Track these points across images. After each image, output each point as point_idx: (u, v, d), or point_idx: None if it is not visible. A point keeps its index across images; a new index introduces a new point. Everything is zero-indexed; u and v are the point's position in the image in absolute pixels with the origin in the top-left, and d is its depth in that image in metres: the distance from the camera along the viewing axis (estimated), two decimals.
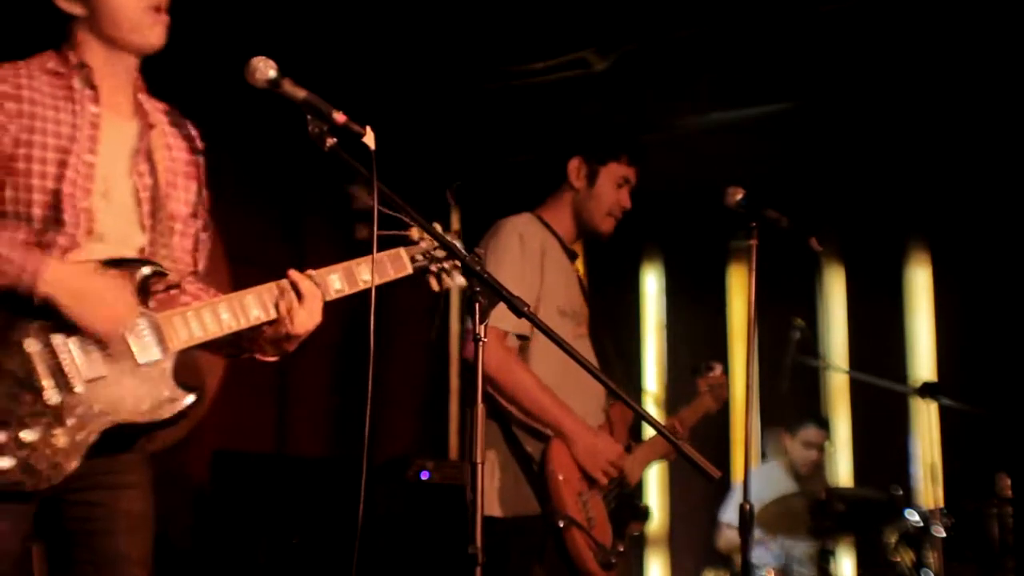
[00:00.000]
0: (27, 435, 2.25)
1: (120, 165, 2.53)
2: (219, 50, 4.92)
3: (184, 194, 2.65)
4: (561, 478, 3.35)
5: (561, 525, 3.29)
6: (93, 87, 2.52)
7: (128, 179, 2.53)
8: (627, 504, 3.61)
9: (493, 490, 3.39)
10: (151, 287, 2.47)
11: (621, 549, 3.45)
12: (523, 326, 3.41)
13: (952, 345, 6.26)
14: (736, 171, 4.20)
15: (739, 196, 3.43)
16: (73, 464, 2.29)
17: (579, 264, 3.87)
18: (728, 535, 5.92)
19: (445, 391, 6.88)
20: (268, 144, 5.74)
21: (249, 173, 5.91)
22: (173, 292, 2.61)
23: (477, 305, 2.40)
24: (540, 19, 5.19)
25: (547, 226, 3.67)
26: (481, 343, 2.38)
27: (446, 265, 2.70)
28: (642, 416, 2.65)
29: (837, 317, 6.63)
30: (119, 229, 2.50)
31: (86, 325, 2.32)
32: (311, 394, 6.16)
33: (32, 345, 2.30)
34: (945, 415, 5.69)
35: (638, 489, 3.89)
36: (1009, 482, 4.44)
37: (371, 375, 2.37)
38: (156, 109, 2.67)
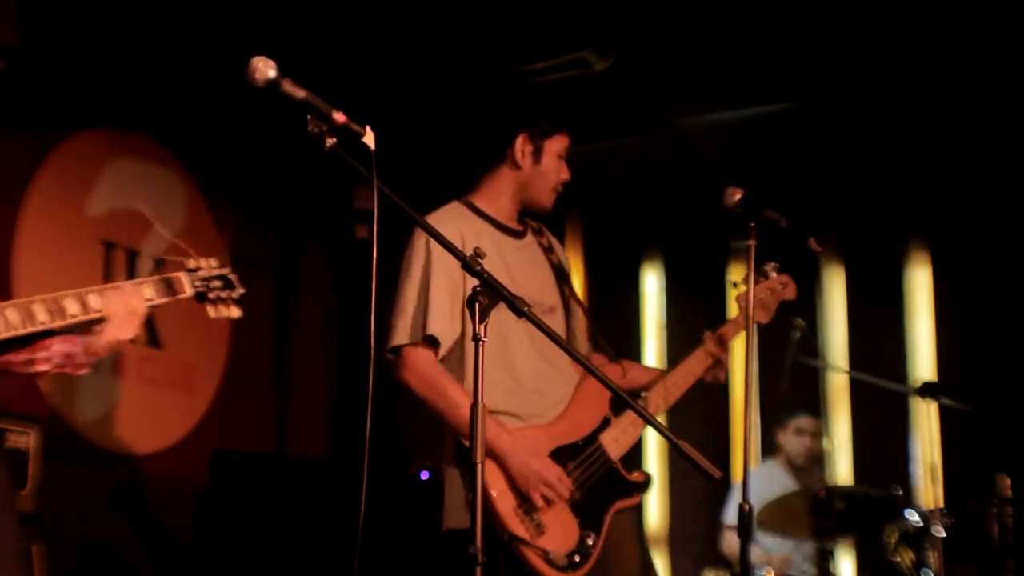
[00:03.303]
0: None
1: None
2: (219, 50, 4.94)
3: None
4: (494, 495, 3.26)
5: (505, 539, 3.22)
6: None
7: None
8: (611, 483, 3.46)
9: (444, 505, 3.35)
10: None
11: (590, 542, 3.33)
12: (446, 335, 3.34)
13: (952, 345, 6.26)
14: (736, 171, 4.21)
15: (738, 196, 3.42)
16: None
17: (571, 247, 3.71)
18: (731, 538, 5.90)
19: None
20: (268, 144, 5.74)
21: (248, 173, 5.91)
22: None
23: (477, 305, 2.41)
24: (540, 19, 5.18)
25: (478, 212, 3.53)
26: (481, 343, 2.40)
27: (223, 295, 2.71)
28: (635, 409, 2.63)
29: (837, 317, 6.62)
30: None
31: None
32: (311, 394, 6.15)
33: None
34: (945, 415, 5.69)
35: (636, 462, 3.71)
36: (1009, 482, 4.43)
37: (371, 375, 2.37)
38: None
